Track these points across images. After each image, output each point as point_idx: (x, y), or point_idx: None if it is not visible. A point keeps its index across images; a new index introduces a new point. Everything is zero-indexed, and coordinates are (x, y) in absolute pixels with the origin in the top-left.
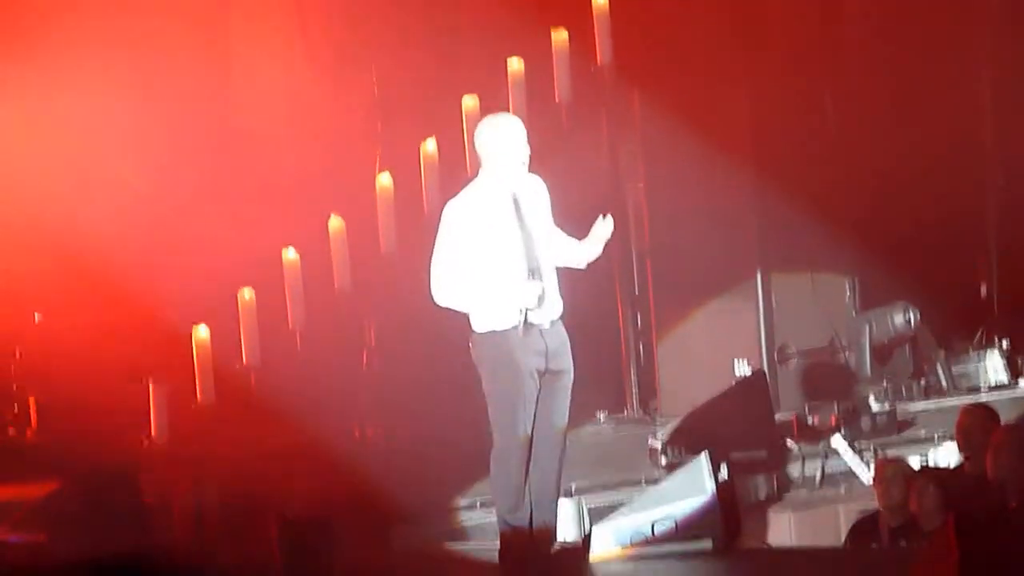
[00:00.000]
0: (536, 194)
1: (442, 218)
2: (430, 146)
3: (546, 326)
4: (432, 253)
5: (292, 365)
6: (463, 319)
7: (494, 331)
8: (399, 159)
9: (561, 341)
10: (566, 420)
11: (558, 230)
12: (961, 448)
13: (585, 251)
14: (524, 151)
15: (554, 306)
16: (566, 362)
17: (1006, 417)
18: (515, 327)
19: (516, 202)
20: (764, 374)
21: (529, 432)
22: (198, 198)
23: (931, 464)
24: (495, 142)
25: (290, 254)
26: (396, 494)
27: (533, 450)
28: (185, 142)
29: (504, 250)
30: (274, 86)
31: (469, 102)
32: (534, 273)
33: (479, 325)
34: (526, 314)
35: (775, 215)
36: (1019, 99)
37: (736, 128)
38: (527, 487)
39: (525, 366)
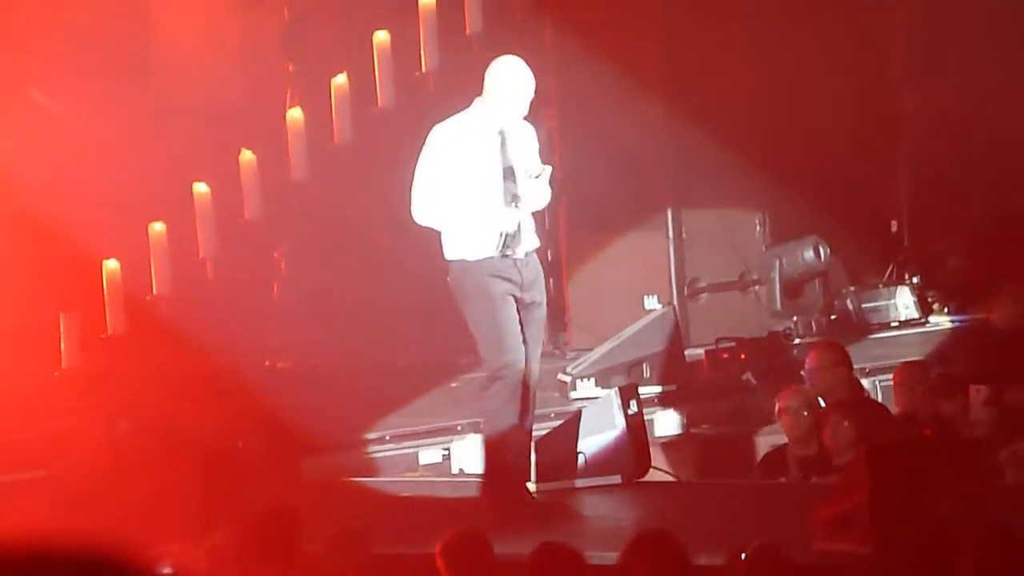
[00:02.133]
0: (525, 136)
1: (427, 140)
2: (341, 80)
3: (520, 257)
4: (415, 174)
5: (203, 296)
6: (378, 248)
7: (465, 259)
8: (311, 94)
9: (535, 274)
10: (539, 353)
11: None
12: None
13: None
14: (522, 93)
15: (529, 240)
16: (540, 294)
17: (917, 353)
18: (490, 257)
19: (503, 137)
20: (674, 309)
21: (525, 352)
22: (110, 131)
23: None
24: (496, 78)
25: (201, 188)
26: (306, 426)
27: None
28: (98, 74)
29: (484, 180)
30: (187, 20)
31: (380, 36)
32: (515, 201)
33: (451, 252)
34: (504, 239)
35: (686, 150)
36: (933, 32)
37: (648, 62)
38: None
39: (499, 289)
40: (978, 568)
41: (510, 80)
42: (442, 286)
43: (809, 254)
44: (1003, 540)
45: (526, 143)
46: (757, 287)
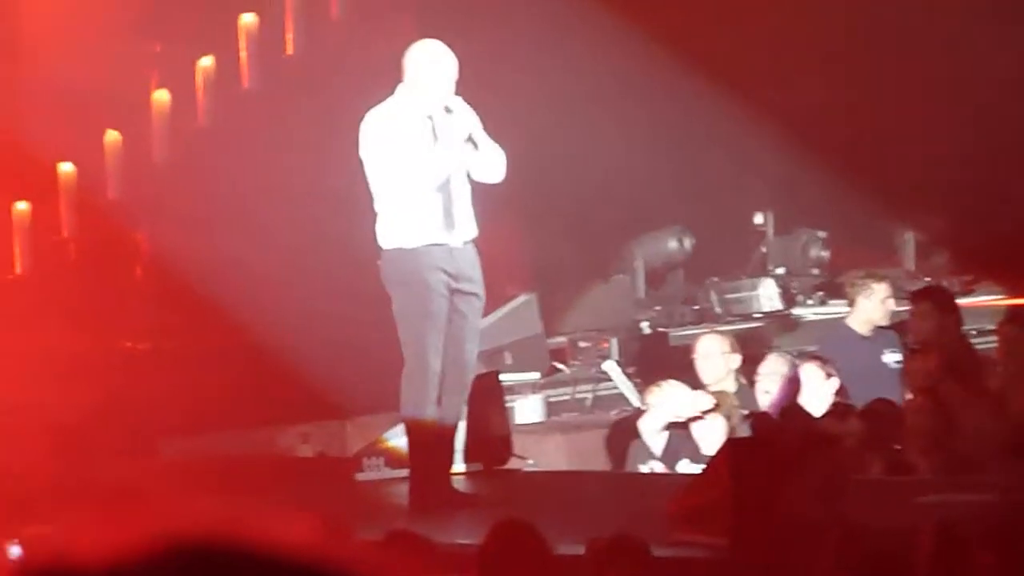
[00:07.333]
0: (457, 117)
1: (362, 130)
2: (207, 62)
3: (457, 246)
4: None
5: (65, 276)
6: (231, 232)
7: (402, 248)
8: (176, 76)
9: (472, 263)
10: (476, 346)
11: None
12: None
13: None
14: (445, 78)
15: (466, 226)
16: (477, 284)
17: (781, 344)
18: (427, 246)
19: (432, 122)
20: (535, 298)
21: (440, 352)
22: None
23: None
24: (417, 63)
25: (66, 167)
26: (164, 407)
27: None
28: None
29: (414, 165)
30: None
31: (247, 18)
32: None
33: (386, 241)
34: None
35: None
36: (795, 32)
37: None
38: (440, 414)
39: (434, 283)
40: (836, 565)
41: (430, 63)
42: (313, 272)
43: (673, 243)
44: (861, 537)
45: (459, 123)
46: (620, 275)
